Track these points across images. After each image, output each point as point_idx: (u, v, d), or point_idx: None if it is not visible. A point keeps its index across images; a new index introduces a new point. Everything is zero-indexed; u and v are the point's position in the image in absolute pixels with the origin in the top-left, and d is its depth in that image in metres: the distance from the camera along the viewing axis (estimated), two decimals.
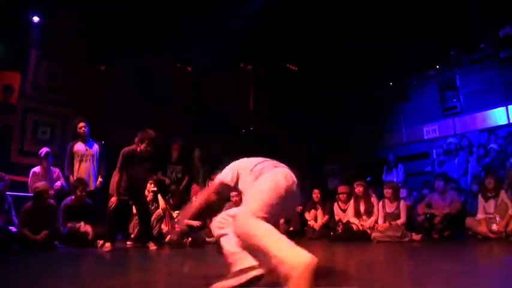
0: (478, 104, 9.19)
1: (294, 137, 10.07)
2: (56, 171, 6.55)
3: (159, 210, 6.16)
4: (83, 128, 6.37)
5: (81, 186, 5.78)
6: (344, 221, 6.83)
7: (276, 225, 2.25)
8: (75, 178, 6.17)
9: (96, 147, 6.52)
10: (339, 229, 6.75)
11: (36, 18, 7.66)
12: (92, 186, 6.34)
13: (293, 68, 11.11)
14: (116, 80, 8.51)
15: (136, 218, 5.88)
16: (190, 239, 6.07)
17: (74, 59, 7.97)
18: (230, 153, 9.75)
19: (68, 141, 7.54)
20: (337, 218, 7.06)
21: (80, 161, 6.36)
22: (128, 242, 6.00)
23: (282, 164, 2.69)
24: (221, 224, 2.68)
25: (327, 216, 7.23)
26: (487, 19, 8.02)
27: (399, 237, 6.13)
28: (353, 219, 6.69)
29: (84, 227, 5.56)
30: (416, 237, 6.22)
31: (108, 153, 6.50)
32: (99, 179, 6.40)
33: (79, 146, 6.40)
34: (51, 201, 5.74)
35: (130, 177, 5.33)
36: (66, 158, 6.40)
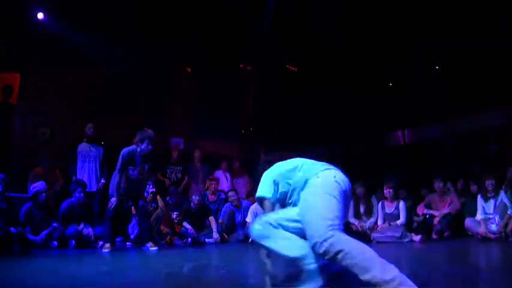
0: None
1: (293, 138, 10.07)
2: (56, 171, 6.55)
3: (158, 211, 6.16)
4: (91, 130, 6.44)
5: (80, 187, 5.77)
6: (344, 221, 6.83)
7: None
8: (77, 178, 6.18)
9: (100, 149, 6.54)
10: None
11: (40, 15, 7.62)
12: (94, 187, 6.35)
13: (293, 68, 11.12)
14: (115, 80, 8.51)
15: (135, 218, 5.89)
16: (189, 239, 6.08)
17: (74, 60, 7.97)
18: (230, 153, 9.81)
19: (67, 142, 7.56)
20: None
21: (83, 161, 6.38)
22: (127, 243, 6.00)
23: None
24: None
25: None
26: None
27: (399, 237, 6.14)
28: (352, 220, 6.69)
29: (87, 230, 5.55)
30: (415, 237, 6.22)
31: (108, 154, 6.51)
32: (102, 181, 6.41)
33: (83, 147, 6.43)
34: (50, 201, 5.74)
35: (129, 177, 5.33)
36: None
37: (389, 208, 6.58)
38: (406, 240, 6.15)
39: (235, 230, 6.88)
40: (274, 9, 8.55)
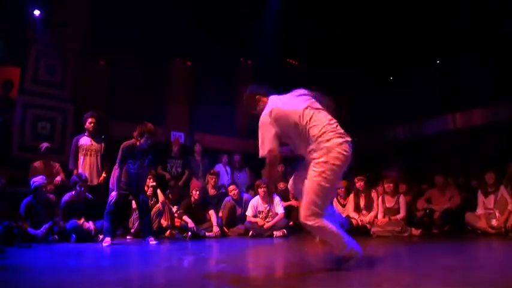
0: None
1: None
2: (56, 166, 6.54)
3: (159, 205, 6.16)
4: (92, 124, 6.38)
5: (81, 181, 5.77)
6: (344, 215, 6.84)
7: None
8: (78, 172, 6.18)
9: (101, 143, 6.53)
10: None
11: (37, 12, 7.61)
12: (94, 181, 6.34)
13: (293, 62, 11.09)
14: (115, 74, 8.49)
15: (136, 212, 5.89)
16: (190, 233, 6.09)
17: (74, 54, 7.94)
18: (230, 147, 9.77)
19: (68, 136, 7.56)
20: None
21: (85, 155, 6.37)
22: (127, 237, 6.01)
23: None
24: None
25: None
26: None
27: (399, 232, 6.15)
28: (353, 214, 6.70)
29: (87, 224, 5.55)
30: (416, 232, 6.24)
31: (109, 147, 6.50)
32: (103, 175, 6.41)
33: (84, 140, 6.41)
34: (51, 195, 5.74)
35: (130, 171, 5.33)
36: (71, 152, 6.42)
37: (390, 202, 6.59)
38: (406, 234, 6.16)
39: (235, 223, 6.89)
40: (276, 3, 8.52)
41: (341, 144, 2.93)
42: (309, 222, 2.88)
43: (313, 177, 2.90)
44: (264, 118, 3.07)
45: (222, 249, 5.27)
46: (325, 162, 2.88)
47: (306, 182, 2.94)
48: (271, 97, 3.31)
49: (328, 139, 2.92)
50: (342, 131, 3.04)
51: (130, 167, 5.31)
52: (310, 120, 3.00)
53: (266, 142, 2.99)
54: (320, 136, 2.93)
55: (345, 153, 2.92)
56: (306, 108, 3.07)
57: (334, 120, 3.09)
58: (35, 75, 7.72)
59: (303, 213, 2.90)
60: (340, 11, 8.51)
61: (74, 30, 7.85)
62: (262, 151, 3.00)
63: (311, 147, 2.95)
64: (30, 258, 4.15)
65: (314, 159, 2.93)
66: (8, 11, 7.09)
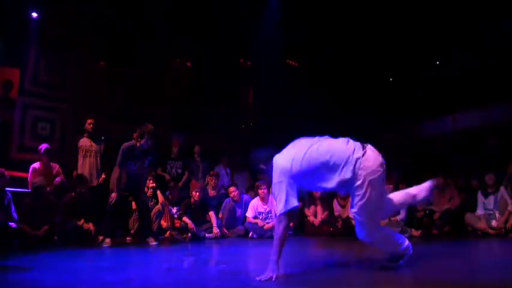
0: None
1: (293, 132, 10.01)
2: (56, 167, 6.54)
3: (158, 206, 6.16)
4: (91, 125, 6.41)
5: (81, 183, 5.76)
6: (343, 216, 6.85)
7: None
8: (78, 173, 6.19)
9: (100, 144, 6.55)
10: (339, 225, 6.77)
11: (34, 14, 7.63)
12: (94, 182, 6.35)
13: (293, 63, 11.08)
14: (115, 75, 8.49)
15: (136, 213, 5.89)
16: (190, 234, 6.08)
17: (74, 55, 7.94)
18: (230, 149, 9.78)
19: (67, 137, 7.56)
20: (336, 213, 7.07)
21: (84, 156, 6.40)
22: (127, 238, 6.01)
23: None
24: None
25: (326, 212, 7.22)
26: None
27: (399, 233, 6.15)
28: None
29: (87, 225, 5.55)
30: (416, 233, 6.24)
31: (109, 148, 6.52)
32: (103, 176, 6.42)
33: (84, 142, 6.43)
34: (51, 196, 5.73)
35: (130, 172, 5.33)
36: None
37: None
38: (406, 235, 6.16)
39: (235, 224, 6.88)
40: (276, 3, 8.53)
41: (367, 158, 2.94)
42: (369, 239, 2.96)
43: (359, 202, 2.87)
44: (281, 175, 3.00)
45: (222, 250, 5.27)
46: (363, 182, 2.85)
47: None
48: (283, 153, 3.28)
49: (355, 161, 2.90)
50: (359, 144, 3.04)
51: (130, 168, 5.30)
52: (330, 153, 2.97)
53: (283, 200, 2.91)
54: (346, 163, 2.90)
55: (378, 161, 2.98)
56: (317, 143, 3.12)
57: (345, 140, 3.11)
58: (35, 76, 7.73)
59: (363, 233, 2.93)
60: (340, 11, 8.50)
61: (73, 32, 7.84)
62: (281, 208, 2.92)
63: (344, 176, 2.89)
64: (30, 258, 4.15)
65: (352, 185, 2.88)
66: (8, 11, 7.09)
